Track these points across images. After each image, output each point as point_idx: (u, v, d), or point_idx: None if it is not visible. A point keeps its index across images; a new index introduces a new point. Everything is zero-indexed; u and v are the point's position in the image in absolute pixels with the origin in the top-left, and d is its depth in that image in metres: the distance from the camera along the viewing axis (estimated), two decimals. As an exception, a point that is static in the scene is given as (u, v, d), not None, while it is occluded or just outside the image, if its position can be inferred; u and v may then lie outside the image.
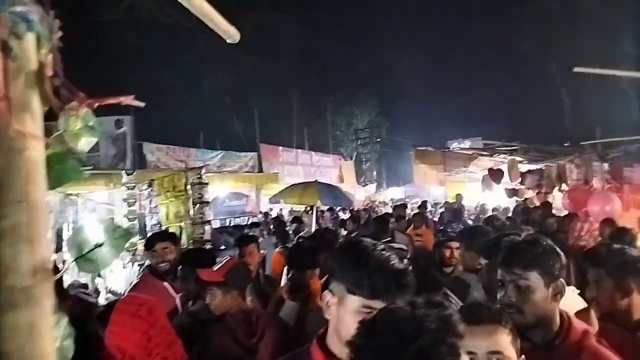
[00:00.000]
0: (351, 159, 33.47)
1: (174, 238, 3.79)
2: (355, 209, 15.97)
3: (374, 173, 39.04)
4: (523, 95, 32.39)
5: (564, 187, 9.27)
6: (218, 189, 14.44)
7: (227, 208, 12.06)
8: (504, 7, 28.76)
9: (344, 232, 9.43)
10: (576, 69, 4.93)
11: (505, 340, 1.62)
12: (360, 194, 26.26)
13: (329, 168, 23.72)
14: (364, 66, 41.11)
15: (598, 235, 5.91)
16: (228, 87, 25.64)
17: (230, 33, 1.46)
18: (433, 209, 17.08)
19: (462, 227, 7.53)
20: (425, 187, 26.40)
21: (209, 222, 6.46)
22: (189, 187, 6.42)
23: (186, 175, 6.47)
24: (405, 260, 1.64)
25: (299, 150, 22.07)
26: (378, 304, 1.38)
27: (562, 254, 1.92)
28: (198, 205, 6.36)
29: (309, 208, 12.67)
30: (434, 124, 40.51)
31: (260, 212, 15.84)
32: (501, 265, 1.93)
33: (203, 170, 6.62)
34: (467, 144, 31.49)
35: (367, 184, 32.30)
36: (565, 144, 10.13)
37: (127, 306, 2.03)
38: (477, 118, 38.97)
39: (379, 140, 40.40)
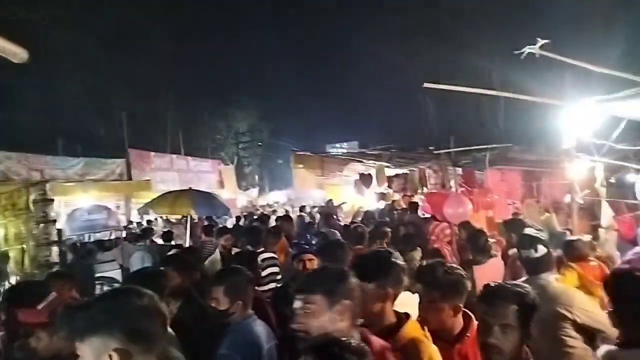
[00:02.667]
0: (232, 163, 32.89)
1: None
2: (235, 216, 15.72)
3: (256, 177, 38.82)
4: (396, 102, 34.51)
5: (425, 190, 9.95)
6: (80, 200, 13.25)
7: (86, 222, 10.96)
8: (378, 18, 30.36)
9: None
10: (426, 85, 5.23)
11: None
12: (242, 199, 25.94)
13: (207, 173, 23.04)
14: (245, 69, 40.78)
15: (449, 237, 6.36)
16: (93, 87, 23.65)
17: (15, 53, 1.23)
18: (310, 211, 17.36)
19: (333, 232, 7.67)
20: (305, 191, 26.90)
21: (55, 242, 5.79)
22: (31, 204, 5.68)
23: (27, 192, 5.73)
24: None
25: (174, 156, 21.09)
26: None
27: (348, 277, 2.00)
28: (42, 224, 5.67)
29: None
30: (315, 128, 41.63)
31: (132, 223, 14.85)
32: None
33: (47, 186, 5.90)
34: (344, 148, 32.86)
35: (249, 189, 32.04)
36: (431, 148, 10.78)
37: None
38: (355, 123, 40.83)
39: (260, 144, 40.29)
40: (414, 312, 2.87)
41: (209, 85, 33.39)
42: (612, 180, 6.40)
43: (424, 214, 9.39)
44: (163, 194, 12.49)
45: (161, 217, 15.52)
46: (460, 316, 2.41)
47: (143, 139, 21.98)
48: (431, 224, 7.09)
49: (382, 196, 13.32)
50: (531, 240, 3.25)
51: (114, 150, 17.99)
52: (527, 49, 4.20)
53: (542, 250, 3.16)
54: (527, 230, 3.75)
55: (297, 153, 17.47)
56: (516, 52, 4.35)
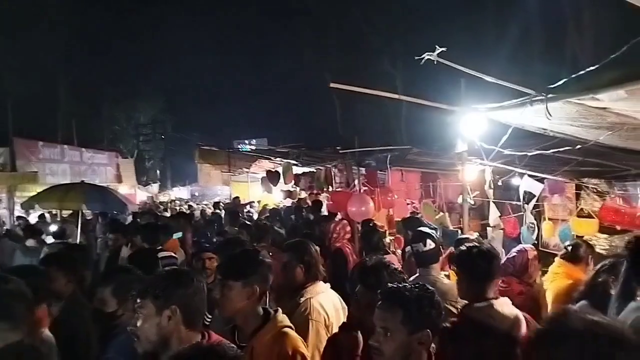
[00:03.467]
0: (132, 156, 31.21)
1: None
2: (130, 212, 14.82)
3: (158, 172, 37.18)
4: (305, 102, 34.88)
5: (331, 189, 10.12)
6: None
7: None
8: (289, 17, 30.48)
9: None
10: (332, 85, 5.28)
11: None
12: (141, 194, 24.71)
13: (104, 166, 21.68)
14: (149, 57, 38.78)
15: (349, 234, 6.46)
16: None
17: None
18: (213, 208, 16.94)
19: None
20: (210, 187, 26.24)
21: None
22: None
23: None
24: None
25: (66, 146, 19.52)
26: None
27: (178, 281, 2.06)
28: None
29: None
30: (223, 123, 40.76)
31: (21, 219, 13.49)
32: None
33: None
34: (253, 144, 32.57)
35: (149, 184, 30.65)
36: (337, 148, 10.98)
37: None
38: (264, 120, 40.58)
39: (163, 137, 38.59)
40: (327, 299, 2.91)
41: (107, 72, 31.33)
42: (500, 183, 6.91)
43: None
44: (52, 187, 11.55)
45: (50, 213, 14.33)
46: None
47: (30, 126, 20.08)
48: (329, 222, 7.19)
49: (289, 194, 13.35)
50: (421, 235, 3.54)
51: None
52: (426, 55, 4.37)
53: (430, 244, 3.45)
54: (421, 228, 3.97)
55: (202, 148, 17.03)
56: (417, 57, 4.52)
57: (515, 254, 3.86)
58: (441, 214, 8.10)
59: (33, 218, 13.70)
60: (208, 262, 3.97)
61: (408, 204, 9.59)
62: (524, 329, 2.43)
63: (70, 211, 11.94)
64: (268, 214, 11.15)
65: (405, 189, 9.37)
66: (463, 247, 2.75)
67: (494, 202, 6.40)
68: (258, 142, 33.96)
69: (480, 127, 5.21)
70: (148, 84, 36.10)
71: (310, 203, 11.60)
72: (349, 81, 5.94)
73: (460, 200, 6.79)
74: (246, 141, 35.98)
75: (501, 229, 6.55)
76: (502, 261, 4.00)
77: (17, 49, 22.90)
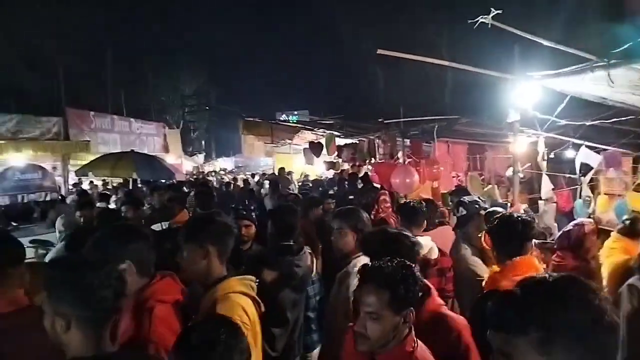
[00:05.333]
0: (177, 127, 31.88)
1: None
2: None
3: (203, 142, 37.88)
4: (348, 72, 34.36)
5: (374, 160, 10.01)
6: (14, 159, 12.61)
7: (19, 182, 10.20)
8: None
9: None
10: (379, 51, 5.14)
11: None
12: (187, 164, 25.31)
13: (152, 136, 22.21)
14: (193, 29, 39.19)
15: (388, 206, 6.40)
16: (25, 40, 21.89)
17: None
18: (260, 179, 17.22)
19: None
20: (254, 158, 26.58)
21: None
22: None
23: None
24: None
25: (115, 116, 20.06)
26: None
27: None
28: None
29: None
30: (266, 95, 40.93)
31: (77, 185, 14.12)
32: None
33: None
34: (295, 116, 32.58)
35: (195, 154, 31.32)
36: (380, 119, 10.81)
37: None
38: (306, 92, 40.42)
39: (207, 108, 39.13)
40: None
41: (154, 44, 31.89)
42: (551, 155, 6.63)
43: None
44: (103, 156, 11.99)
45: (103, 181, 14.95)
46: None
47: (81, 96, 20.75)
48: (374, 194, 7.12)
49: (332, 165, 13.33)
50: (457, 204, 4.03)
51: (49, 108, 16.89)
52: (480, 19, 4.18)
53: (462, 211, 3.87)
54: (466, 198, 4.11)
55: (246, 119, 17.09)
56: (470, 21, 4.33)
57: (571, 227, 3.72)
58: (489, 186, 7.88)
59: (85, 185, 14.29)
60: (244, 229, 4.00)
61: (453, 176, 9.38)
62: (435, 254, 3.42)
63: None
64: (310, 185, 11.22)
65: (451, 161, 9.14)
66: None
67: (547, 174, 6.14)
68: (300, 114, 33.92)
69: (534, 96, 4.98)
70: (192, 56, 36.57)
71: (353, 174, 11.57)
72: (393, 48, 5.74)
73: (509, 172, 6.57)
74: (288, 112, 36.00)
75: (554, 203, 6.31)
76: (558, 235, 3.87)
77: (65, 20, 23.55)
